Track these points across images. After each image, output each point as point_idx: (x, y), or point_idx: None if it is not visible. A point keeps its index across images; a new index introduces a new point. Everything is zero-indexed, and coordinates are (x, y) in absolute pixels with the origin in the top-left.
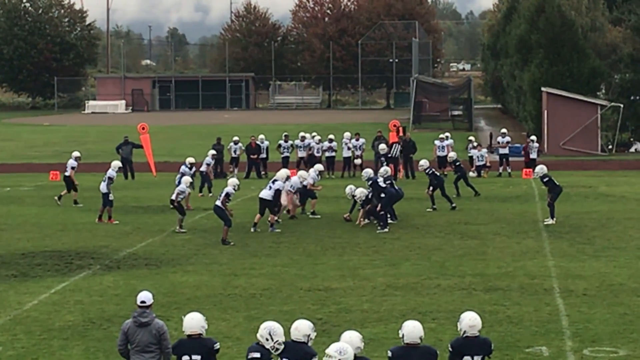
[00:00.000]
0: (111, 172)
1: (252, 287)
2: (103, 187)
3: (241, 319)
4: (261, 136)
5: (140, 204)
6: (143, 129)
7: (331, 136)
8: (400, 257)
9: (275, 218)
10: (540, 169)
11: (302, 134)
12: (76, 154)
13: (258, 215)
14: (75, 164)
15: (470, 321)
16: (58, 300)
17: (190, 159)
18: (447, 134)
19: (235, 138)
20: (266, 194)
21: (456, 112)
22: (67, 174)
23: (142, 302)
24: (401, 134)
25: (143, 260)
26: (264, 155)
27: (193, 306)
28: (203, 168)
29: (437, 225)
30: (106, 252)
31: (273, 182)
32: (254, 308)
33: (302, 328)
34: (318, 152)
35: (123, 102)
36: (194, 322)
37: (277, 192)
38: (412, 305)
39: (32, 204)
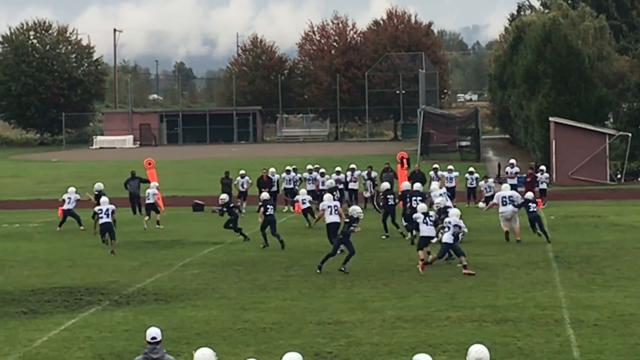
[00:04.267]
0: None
1: (261, 321)
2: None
3: (251, 353)
4: (272, 169)
5: (149, 239)
6: (149, 164)
7: (338, 168)
8: (409, 289)
9: None
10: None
11: (309, 166)
12: (156, 183)
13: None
14: (155, 191)
15: (477, 354)
16: (68, 336)
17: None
18: (451, 166)
19: (242, 172)
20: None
21: (464, 143)
22: (149, 201)
23: (153, 338)
24: (406, 165)
25: (152, 295)
26: (275, 189)
27: (203, 341)
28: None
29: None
30: (115, 288)
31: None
32: (263, 342)
33: None
34: (323, 185)
35: (131, 137)
36: (204, 358)
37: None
38: (422, 337)
39: (40, 240)
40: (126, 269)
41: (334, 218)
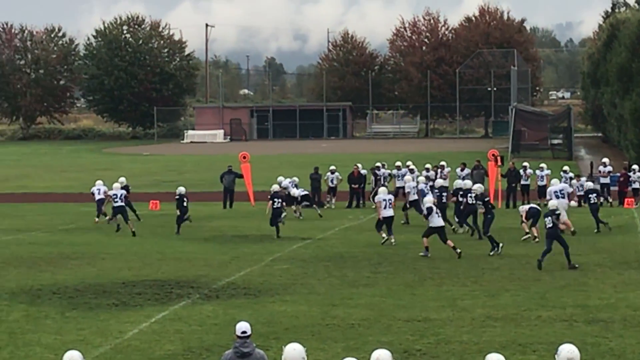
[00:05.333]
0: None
1: (350, 317)
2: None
3: (339, 350)
4: (359, 165)
5: (239, 233)
6: (244, 157)
7: (428, 165)
8: (499, 287)
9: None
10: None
11: (398, 163)
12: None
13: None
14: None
15: (568, 353)
16: (158, 329)
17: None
18: (543, 164)
19: (332, 167)
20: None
21: (556, 141)
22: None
23: (243, 332)
24: (499, 163)
25: (242, 289)
26: (364, 185)
27: (291, 336)
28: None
29: (537, 255)
30: (205, 282)
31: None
32: (352, 338)
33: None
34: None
35: (221, 131)
36: (295, 353)
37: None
38: (512, 336)
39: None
40: (216, 263)
41: (389, 212)
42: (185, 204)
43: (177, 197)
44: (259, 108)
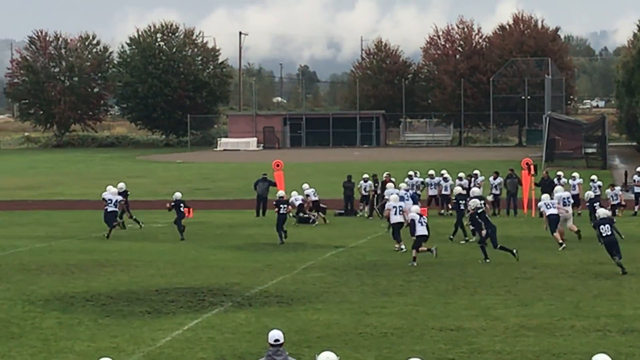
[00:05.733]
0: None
1: (383, 326)
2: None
3: (372, 358)
4: (389, 173)
5: (272, 241)
6: (278, 165)
7: (461, 174)
8: (532, 297)
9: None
10: None
11: (431, 171)
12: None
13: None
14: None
15: None
16: (191, 337)
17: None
18: (575, 173)
19: (365, 176)
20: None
21: (590, 150)
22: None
23: (276, 340)
24: (533, 172)
25: (274, 297)
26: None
27: (324, 344)
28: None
29: (570, 265)
30: (238, 289)
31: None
32: (385, 347)
33: None
34: (446, 190)
35: (254, 139)
36: None
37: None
38: (545, 346)
39: (165, 240)
40: (249, 270)
41: (399, 218)
42: (182, 209)
43: (173, 202)
44: (292, 116)
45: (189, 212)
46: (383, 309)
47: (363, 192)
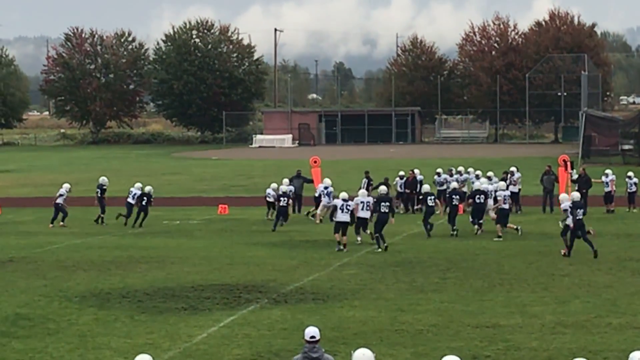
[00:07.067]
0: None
1: (419, 322)
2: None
3: (408, 355)
4: (416, 170)
5: (307, 238)
6: (315, 162)
7: (490, 173)
8: (569, 294)
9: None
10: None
11: (460, 168)
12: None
13: None
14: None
15: None
16: (227, 333)
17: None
18: (608, 170)
19: (401, 173)
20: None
21: (627, 146)
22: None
23: (312, 336)
24: (569, 169)
25: (310, 294)
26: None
27: (360, 341)
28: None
29: (607, 262)
30: (274, 286)
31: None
32: (421, 344)
33: None
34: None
35: (290, 136)
36: (364, 358)
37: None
38: (582, 343)
39: (201, 237)
40: (284, 267)
41: (365, 214)
42: (144, 203)
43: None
44: (328, 113)
45: (224, 209)
46: (419, 306)
47: (398, 189)
